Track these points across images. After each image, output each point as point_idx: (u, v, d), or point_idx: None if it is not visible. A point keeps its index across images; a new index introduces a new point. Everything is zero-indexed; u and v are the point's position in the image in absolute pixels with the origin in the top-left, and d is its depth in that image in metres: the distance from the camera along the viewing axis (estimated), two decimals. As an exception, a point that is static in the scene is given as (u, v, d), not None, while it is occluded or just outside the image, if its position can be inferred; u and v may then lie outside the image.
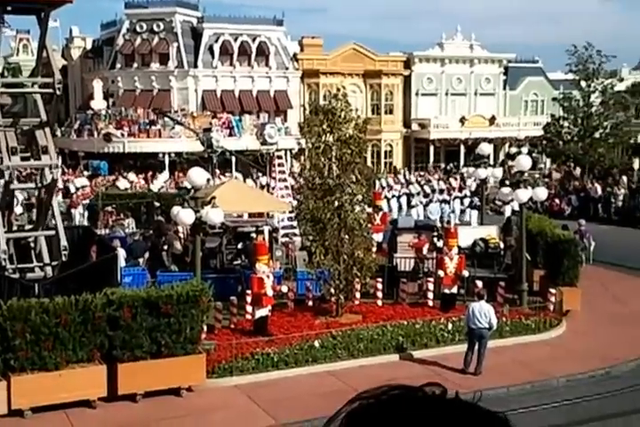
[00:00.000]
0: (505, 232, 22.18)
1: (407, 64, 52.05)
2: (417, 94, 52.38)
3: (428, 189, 33.57)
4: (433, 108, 52.43)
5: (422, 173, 42.79)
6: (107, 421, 12.24)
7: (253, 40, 47.70)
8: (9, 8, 15.30)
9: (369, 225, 18.53)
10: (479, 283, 17.36)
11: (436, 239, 21.22)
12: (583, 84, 41.82)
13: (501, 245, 21.53)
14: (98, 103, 45.10)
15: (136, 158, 41.95)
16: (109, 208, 27.88)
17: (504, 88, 55.22)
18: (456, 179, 37.10)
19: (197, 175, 15.42)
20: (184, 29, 47.08)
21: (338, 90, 17.64)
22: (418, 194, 33.18)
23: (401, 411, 0.99)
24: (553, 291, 17.58)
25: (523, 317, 17.05)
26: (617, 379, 14.25)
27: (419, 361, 15.03)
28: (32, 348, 12.17)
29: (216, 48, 46.98)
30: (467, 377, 13.87)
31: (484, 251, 21.32)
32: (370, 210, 21.40)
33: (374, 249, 18.95)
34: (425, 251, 20.35)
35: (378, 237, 21.92)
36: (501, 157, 47.70)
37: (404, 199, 33.18)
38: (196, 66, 46.68)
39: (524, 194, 18.01)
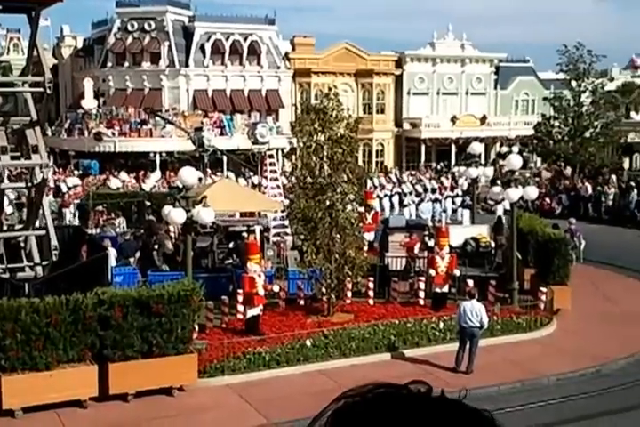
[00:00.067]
0: (496, 231, 22.25)
1: (399, 63, 52.12)
2: (408, 94, 52.47)
3: (420, 189, 33.64)
4: (424, 107, 52.53)
5: (414, 173, 42.87)
6: (98, 421, 12.21)
7: (245, 39, 47.65)
8: (-1, 7, 15.23)
9: (360, 224, 18.55)
10: (470, 282, 17.41)
11: (427, 238, 21.28)
12: (574, 83, 41.96)
13: (492, 245, 21.60)
14: (88, 102, 44.97)
15: (127, 158, 41.84)
16: (100, 207, 27.80)
17: (495, 87, 55.38)
18: (447, 178, 37.17)
19: (189, 175, 15.41)
20: (175, 28, 46.99)
21: (329, 89, 17.64)
22: (410, 193, 33.24)
23: (386, 409, 0.99)
24: (544, 290, 17.64)
25: (514, 315, 17.10)
26: (607, 377, 14.31)
27: (410, 360, 15.05)
28: (23, 348, 12.12)
29: (207, 47, 46.92)
30: (458, 376, 13.91)
31: (475, 250, 21.37)
32: (361, 209, 21.41)
33: (366, 248, 18.99)
34: (416, 250, 20.40)
35: (369, 236, 21.95)
36: (492, 156, 47.83)
37: (395, 198, 33.23)
38: (187, 65, 46.60)
39: (514, 193, 18.06)
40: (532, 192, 19.50)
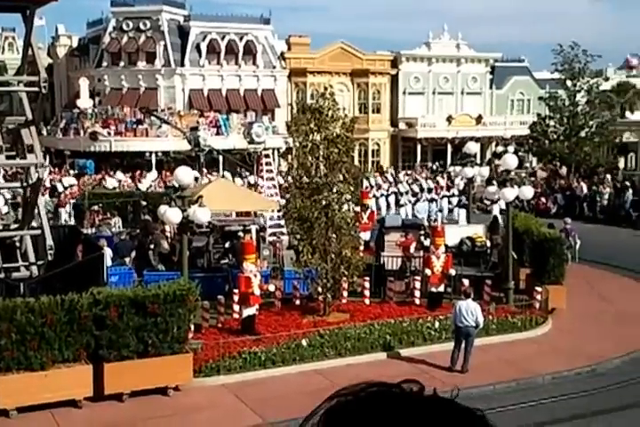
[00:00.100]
0: (491, 231, 22.29)
1: (394, 63, 52.13)
2: (404, 93, 52.49)
3: (416, 188, 33.66)
4: (420, 107, 52.55)
5: (409, 172, 42.91)
6: (93, 420, 12.19)
7: (240, 39, 47.61)
8: (-6, 6, 15.21)
9: (356, 224, 18.56)
10: (466, 281, 17.42)
11: (423, 238, 21.29)
12: (569, 83, 42.02)
13: (488, 244, 21.62)
14: (84, 102, 44.88)
15: (123, 157, 41.78)
16: (96, 207, 27.76)
17: (490, 87, 55.43)
18: (443, 178, 37.21)
19: (185, 174, 15.39)
20: (171, 28, 46.93)
21: (325, 89, 17.63)
22: (406, 193, 33.27)
23: (378, 408, 0.99)
24: (539, 289, 17.68)
25: (509, 315, 17.13)
26: (602, 376, 14.34)
27: (406, 359, 15.06)
28: (18, 348, 12.10)
29: (203, 47, 46.86)
30: (453, 375, 13.93)
31: (470, 249, 21.39)
32: (357, 209, 21.42)
33: (362, 248, 18.98)
34: (412, 249, 20.42)
35: (365, 235, 21.95)
36: (488, 155, 47.96)
37: (391, 198, 33.26)
38: (182, 64, 46.53)
39: (510, 193, 18.09)
40: (527, 192, 19.53)
